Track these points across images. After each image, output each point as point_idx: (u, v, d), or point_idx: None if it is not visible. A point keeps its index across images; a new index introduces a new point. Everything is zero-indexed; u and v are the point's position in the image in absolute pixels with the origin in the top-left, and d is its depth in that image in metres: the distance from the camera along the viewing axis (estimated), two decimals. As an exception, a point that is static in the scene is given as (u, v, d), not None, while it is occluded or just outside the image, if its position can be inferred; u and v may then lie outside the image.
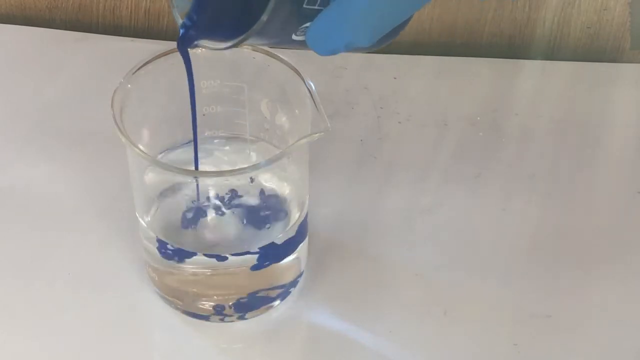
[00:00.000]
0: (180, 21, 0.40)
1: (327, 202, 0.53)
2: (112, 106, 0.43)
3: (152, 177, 0.47)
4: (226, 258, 0.45)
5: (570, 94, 0.62)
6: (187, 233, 0.47)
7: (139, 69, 0.45)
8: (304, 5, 0.35)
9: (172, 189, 0.48)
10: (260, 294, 0.47)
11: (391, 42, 0.39)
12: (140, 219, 0.46)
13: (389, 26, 0.36)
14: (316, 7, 0.35)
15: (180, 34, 0.40)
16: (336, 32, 0.35)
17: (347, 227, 0.53)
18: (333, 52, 0.36)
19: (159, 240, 0.46)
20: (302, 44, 0.37)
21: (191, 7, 0.40)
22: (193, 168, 0.48)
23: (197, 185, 0.47)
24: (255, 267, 0.46)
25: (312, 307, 0.49)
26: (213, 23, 0.40)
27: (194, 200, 0.47)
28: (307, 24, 0.36)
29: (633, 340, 0.48)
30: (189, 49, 0.41)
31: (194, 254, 0.45)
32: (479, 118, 0.60)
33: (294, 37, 0.37)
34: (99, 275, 0.50)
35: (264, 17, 0.34)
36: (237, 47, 0.37)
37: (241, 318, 0.48)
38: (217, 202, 0.47)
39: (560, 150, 0.58)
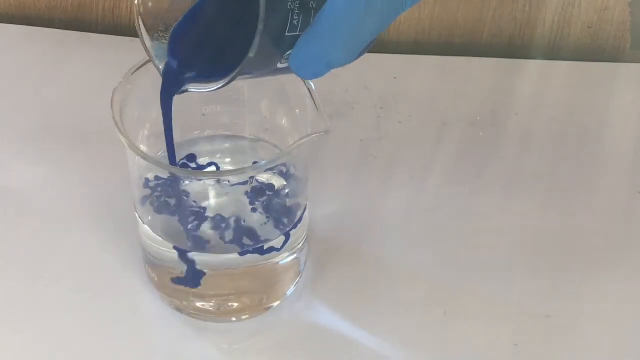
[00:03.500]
0: (160, 69, 0.40)
1: (327, 202, 0.53)
2: (112, 106, 0.43)
3: (152, 176, 0.47)
4: (226, 257, 0.45)
5: (570, 94, 0.62)
6: (187, 232, 0.47)
7: (139, 69, 0.45)
8: (286, 34, 0.36)
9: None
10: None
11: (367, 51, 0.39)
12: (140, 219, 0.46)
13: (365, 42, 0.37)
14: (297, 34, 0.36)
15: (163, 83, 0.40)
16: (317, 54, 0.36)
17: (347, 227, 0.53)
18: (317, 75, 0.37)
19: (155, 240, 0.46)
20: (287, 70, 0.38)
21: (168, 53, 0.40)
22: (193, 162, 0.49)
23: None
24: (255, 266, 0.46)
25: (312, 307, 0.49)
26: (194, 66, 0.40)
27: (194, 200, 0.47)
28: (290, 51, 0.37)
29: (633, 340, 0.48)
30: (174, 96, 0.41)
31: (193, 252, 0.45)
32: (479, 118, 0.60)
33: (279, 65, 0.37)
34: (99, 276, 0.50)
35: (251, 54, 0.35)
36: (226, 86, 0.37)
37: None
38: (217, 202, 0.47)
39: (560, 150, 0.58)
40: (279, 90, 0.47)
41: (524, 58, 0.65)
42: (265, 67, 0.37)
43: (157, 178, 0.46)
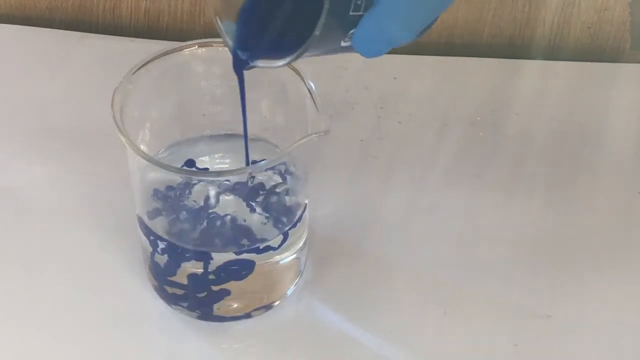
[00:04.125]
0: (230, 45, 0.41)
1: (327, 202, 0.53)
2: (112, 106, 0.43)
3: (152, 176, 0.47)
4: (224, 257, 0.46)
5: (570, 94, 0.62)
6: (187, 232, 0.47)
7: (139, 69, 0.45)
8: (350, 13, 0.37)
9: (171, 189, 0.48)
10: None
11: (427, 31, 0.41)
12: (140, 218, 0.46)
13: (427, 20, 0.38)
14: (360, 13, 0.37)
15: (233, 59, 0.42)
16: (379, 32, 0.38)
17: (347, 227, 0.53)
18: (378, 53, 0.38)
19: (159, 239, 0.46)
20: (349, 49, 0.39)
21: (236, 30, 0.41)
22: (192, 167, 0.49)
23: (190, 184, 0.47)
24: (254, 266, 0.46)
25: (312, 307, 0.49)
26: (261, 43, 0.41)
27: (194, 200, 0.47)
28: (353, 30, 0.38)
29: (633, 340, 0.48)
30: (244, 71, 0.43)
31: (193, 252, 0.45)
32: (479, 118, 0.60)
33: (342, 43, 0.38)
34: (99, 276, 0.50)
35: (317, 32, 0.36)
36: (292, 62, 0.39)
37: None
38: (217, 202, 0.47)
39: (560, 150, 0.58)
40: (279, 90, 0.47)
41: (524, 58, 0.65)
42: (329, 45, 0.38)
43: (157, 178, 0.46)
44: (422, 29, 0.38)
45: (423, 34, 0.40)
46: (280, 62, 0.39)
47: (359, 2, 0.37)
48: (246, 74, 0.47)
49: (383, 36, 0.37)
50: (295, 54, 0.38)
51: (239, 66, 0.42)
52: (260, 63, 0.41)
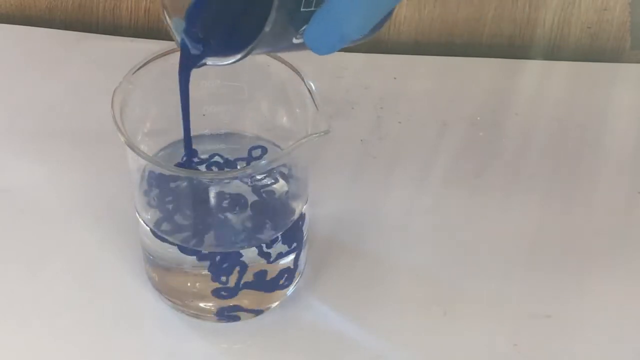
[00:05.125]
0: (178, 41, 0.41)
1: (327, 202, 0.53)
2: (112, 106, 0.43)
3: (151, 176, 0.47)
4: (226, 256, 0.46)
5: (570, 94, 0.62)
6: (187, 232, 0.47)
7: (139, 69, 0.45)
8: (302, 9, 0.36)
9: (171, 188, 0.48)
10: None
11: (380, 30, 0.40)
12: (140, 218, 0.46)
13: (379, 15, 0.38)
14: (312, 9, 0.37)
15: (181, 55, 0.41)
16: (330, 28, 0.37)
17: (347, 227, 0.53)
18: (330, 49, 0.38)
19: (159, 238, 0.46)
20: (302, 46, 0.38)
21: (185, 27, 0.41)
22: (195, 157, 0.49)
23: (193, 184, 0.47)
24: (255, 266, 0.46)
25: (312, 307, 0.49)
26: (211, 40, 0.40)
27: (194, 199, 0.47)
28: (306, 27, 0.37)
29: (633, 340, 0.48)
30: (192, 69, 0.42)
31: (194, 252, 0.45)
32: (479, 118, 0.60)
33: (294, 40, 0.38)
34: (99, 275, 0.50)
35: (267, 28, 0.36)
36: (242, 60, 0.38)
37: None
38: (217, 201, 0.47)
39: (560, 150, 0.58)
40: (279, 90, 0.47)
41: (524, 58, 0.65)
42: (281, 42, 0.38)
43: (157, 177, 0.46)
44: (374, 24, 0.38)
45: (376, 31, 0.40)
46: (230, 60, 0.38)
47: None
48: (245, 74, 0.47)
49: (334, 32, 0.37)
50: (245, 51, 0.37)
51: (188, 63, 0.41)
52: (209, 60, 0.40)
